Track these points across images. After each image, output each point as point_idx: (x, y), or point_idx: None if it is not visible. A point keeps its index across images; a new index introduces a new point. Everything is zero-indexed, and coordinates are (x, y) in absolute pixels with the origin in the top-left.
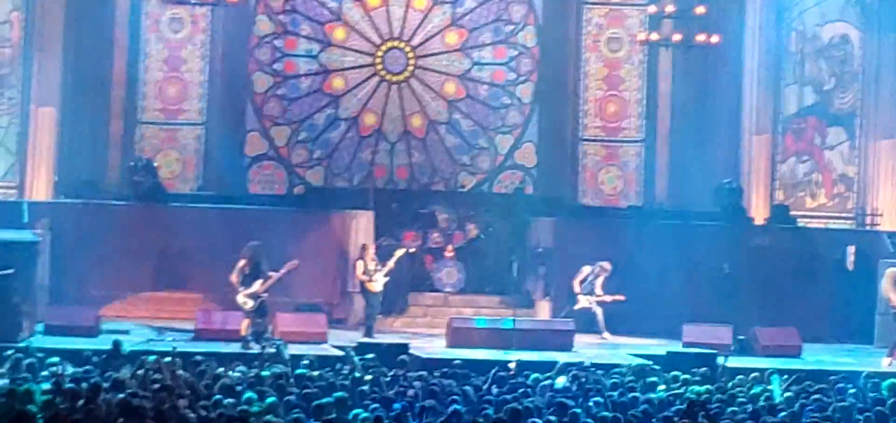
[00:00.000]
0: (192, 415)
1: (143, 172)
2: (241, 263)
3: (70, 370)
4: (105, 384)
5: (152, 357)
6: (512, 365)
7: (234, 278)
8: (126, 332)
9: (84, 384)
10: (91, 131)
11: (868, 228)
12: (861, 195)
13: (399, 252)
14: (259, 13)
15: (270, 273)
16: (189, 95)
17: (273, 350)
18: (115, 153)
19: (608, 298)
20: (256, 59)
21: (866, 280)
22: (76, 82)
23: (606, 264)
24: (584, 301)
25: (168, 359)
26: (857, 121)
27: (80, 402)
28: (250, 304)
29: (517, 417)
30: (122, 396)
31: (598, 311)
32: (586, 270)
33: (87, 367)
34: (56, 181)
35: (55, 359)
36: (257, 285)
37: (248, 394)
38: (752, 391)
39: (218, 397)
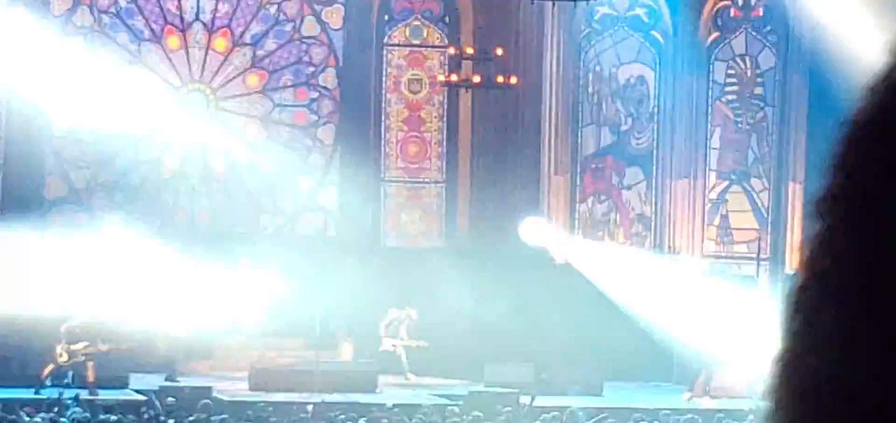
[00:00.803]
0: None
1: None
2: (78, 321)
3: None
4: None
5: None
6: (310, 407)
7: (63, 328)
8: None
9: None
10: None
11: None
12: (658, 234)
13: None
14: None
15: (100, 345)
16: None
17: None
18: None
19: (413, 343)
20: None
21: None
22: None
23: (413, 312)
24: (387, 344)
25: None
26: (654, 160)
27: None
28: (66, 358)
29: None
30: None
31: (402, 353)
32: (393, 313)
33: None
34: None
35: None
36: (81, 346)
37: None
38: None
39: None
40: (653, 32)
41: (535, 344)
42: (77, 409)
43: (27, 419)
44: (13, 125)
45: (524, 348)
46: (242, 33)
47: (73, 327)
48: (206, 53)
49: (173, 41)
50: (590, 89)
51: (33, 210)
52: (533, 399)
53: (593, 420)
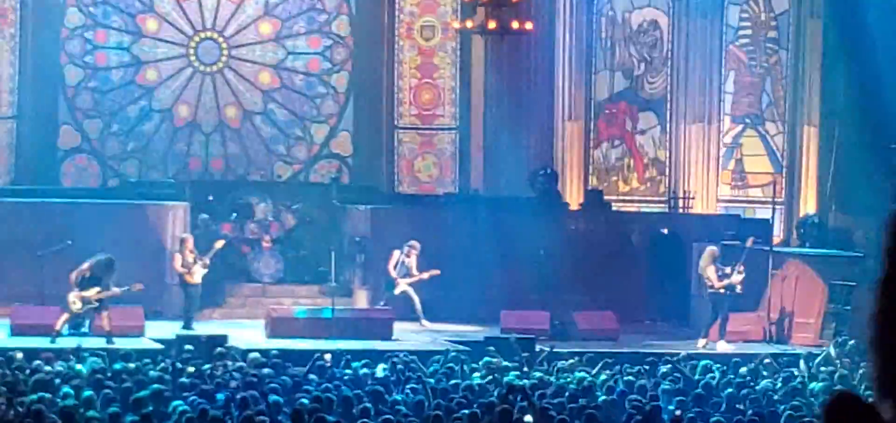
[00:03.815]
0: (11, 413)
1: None
2: (86, 265)
3: None
4: None
5: None
6: (327, 356)
7: (73, 276)
8: None
9: None
10: None
11: (680, 211)
12: (672, 179)
13: (218, 244)
14: (69, 5)
15: (113, 288)
16: None
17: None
18: None
19: (425, 275)
20: (67, 52)
21: (680, 262)
22: None
23: (415, 243)
24: (403, 285)
25: None
26: (668, 105)
27: None
28: (79, 305)
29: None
30: None
31: (415, 297)
32: (397, 254)
33: None
34: None
35: None
36: (93, 292)
37: (65, 389)
38: (574, 375)
39: (36, 395)
40: None
41: (549, 290)
42: (94, 358)
43: (47, 367)
44: (26, 75)
45: (539, 295)
46: None
47: (83, 272)
48: (219, 2)
49: None
50: (603, 34)
51: (47, 161)
52: (553, 346)
53: (608, 369)
